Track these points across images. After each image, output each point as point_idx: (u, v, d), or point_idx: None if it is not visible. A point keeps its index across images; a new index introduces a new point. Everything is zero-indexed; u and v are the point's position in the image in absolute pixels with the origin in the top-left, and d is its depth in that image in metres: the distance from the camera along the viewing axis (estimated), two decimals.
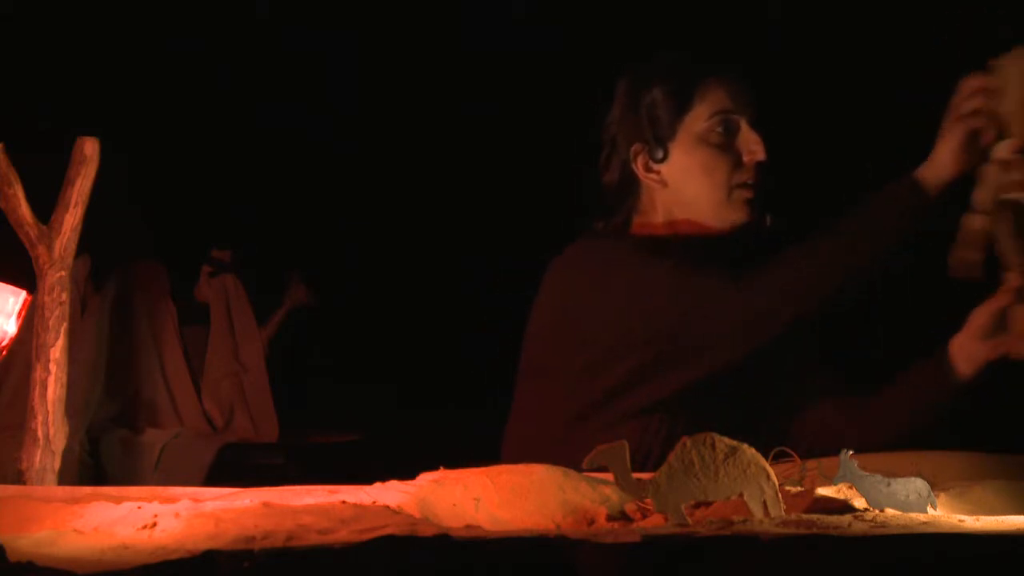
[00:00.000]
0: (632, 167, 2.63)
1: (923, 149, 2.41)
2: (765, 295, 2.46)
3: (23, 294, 2.23)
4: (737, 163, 2.59)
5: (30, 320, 2.14)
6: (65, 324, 2.09)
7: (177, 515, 1.49)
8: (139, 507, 1.54)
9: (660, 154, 2.60)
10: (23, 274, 2.18)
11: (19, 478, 2.05)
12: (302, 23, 4.25)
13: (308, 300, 4.52)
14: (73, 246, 2.10)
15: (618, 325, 2.51)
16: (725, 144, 2.59)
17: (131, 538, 1.46)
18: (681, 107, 2.59)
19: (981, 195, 2.31)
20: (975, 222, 2.30)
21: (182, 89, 4.24)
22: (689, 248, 2.58)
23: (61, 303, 2.08)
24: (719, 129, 2.59)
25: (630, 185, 2.64)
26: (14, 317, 2.23)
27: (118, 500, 1.61)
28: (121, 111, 3.99)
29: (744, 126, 2.59)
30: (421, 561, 1.28)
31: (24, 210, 2.09)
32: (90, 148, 2.10)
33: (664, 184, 2.62)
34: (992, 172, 2.30)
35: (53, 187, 2.11)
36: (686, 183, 2.60)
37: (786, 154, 2.66)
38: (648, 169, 2.62)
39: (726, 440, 1.61)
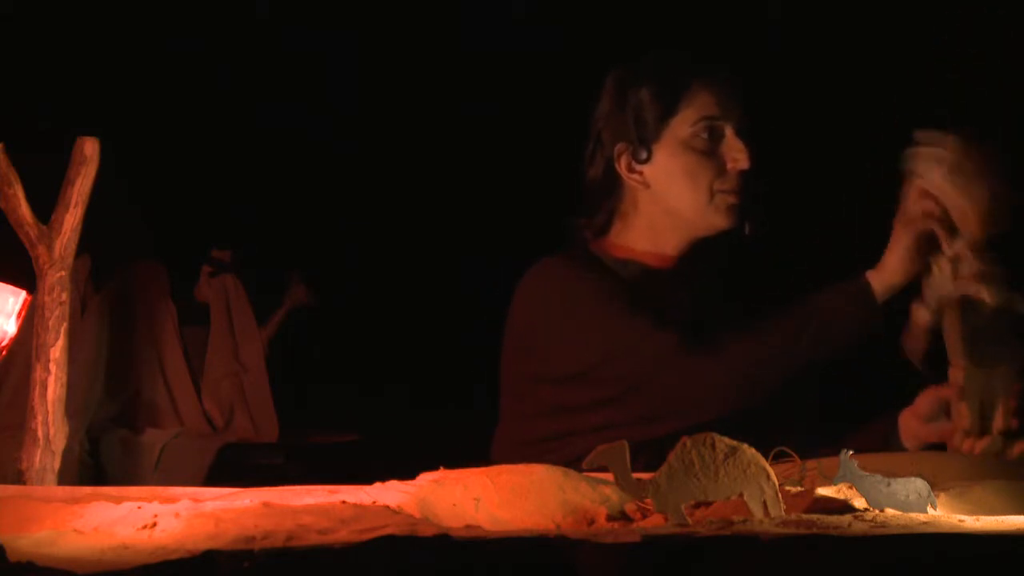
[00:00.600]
0: (615, 166, 2.62)
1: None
2: (715, 368, 2.43)
3: (23, 294, 2.22)
4: (720, 170, 2.57)
5: (30, 320, 2.14)
6: (65, 324, 2.08)
7: (177, 515, 1.49)
8: (139, 507, 1.54)
9: (644, 155, 2.59)
10: (23, 274, 2.18)
11: (19, 478, 2.05)
12: (302, 23, 4.25)
13: (308, 300, 4.51)
14: (73, 246, 2.10)
15: (576, 357, 2.51)
16: (709, 150, 2.58)
17: (131, 538, 1.46)
18: (667, 110, 2.58)
19: (930, 289, 2.30)
20: (922, 315, 2.29)
21: (182, 89, 4.24)
22: (653, 286, 2.56)
23: (61, 303, 2.08)
24: (704, 135, 2.58)
25: (613, 184, 2.63)
26: (14, 317, 2.23)
27: (118, 500, 1.61)
28: (121, 111, 3.99)
29: (729, 133, 2.58)
30: (421, 561, 1.28)
31: (24, 210, 2.09)
32: (90, 148, 2.10)
33: (646, 186, 2.61)
34: (943, 267, 2.28)
35: (53, 187, 2.10)
36: (668, 186, 2.59)
37: (781, 157, 2.65)
38: (631, 170, 2.61)
39: (726, 440, 1.61)
